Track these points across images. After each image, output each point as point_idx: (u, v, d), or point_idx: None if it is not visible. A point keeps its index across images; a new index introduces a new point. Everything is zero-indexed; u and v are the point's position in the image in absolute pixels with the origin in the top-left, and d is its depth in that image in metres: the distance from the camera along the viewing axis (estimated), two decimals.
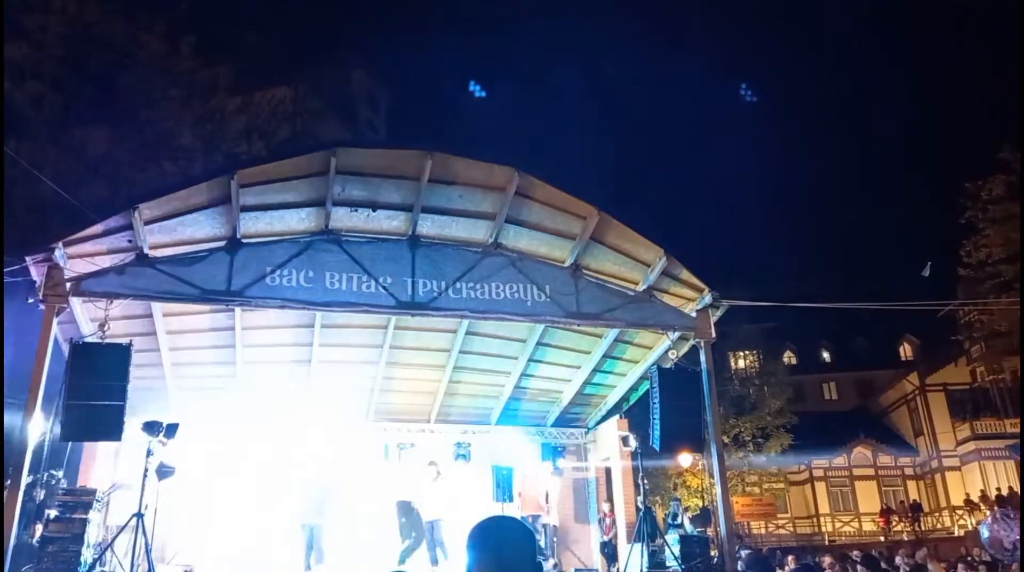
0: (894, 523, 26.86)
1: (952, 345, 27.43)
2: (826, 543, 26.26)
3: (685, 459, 20.99)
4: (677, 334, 10.02)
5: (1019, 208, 20.52)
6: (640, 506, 10.79)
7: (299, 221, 9.10)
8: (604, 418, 13.28)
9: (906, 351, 36.50)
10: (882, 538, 25.47)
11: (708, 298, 9.73)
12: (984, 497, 25.25)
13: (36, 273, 8.01)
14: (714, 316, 9.89)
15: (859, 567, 15.07)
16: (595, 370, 12.21)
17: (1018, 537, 10.22)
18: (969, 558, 16.30)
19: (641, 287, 9.98)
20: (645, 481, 11.16)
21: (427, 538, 10.56)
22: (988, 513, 19.56)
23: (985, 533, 11.12)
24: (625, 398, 12.97)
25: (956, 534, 24.92)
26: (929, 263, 13.13)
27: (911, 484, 30.02)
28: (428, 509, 10.73)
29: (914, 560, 14.48)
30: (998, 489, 25.09)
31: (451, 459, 12.25)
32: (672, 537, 10.65)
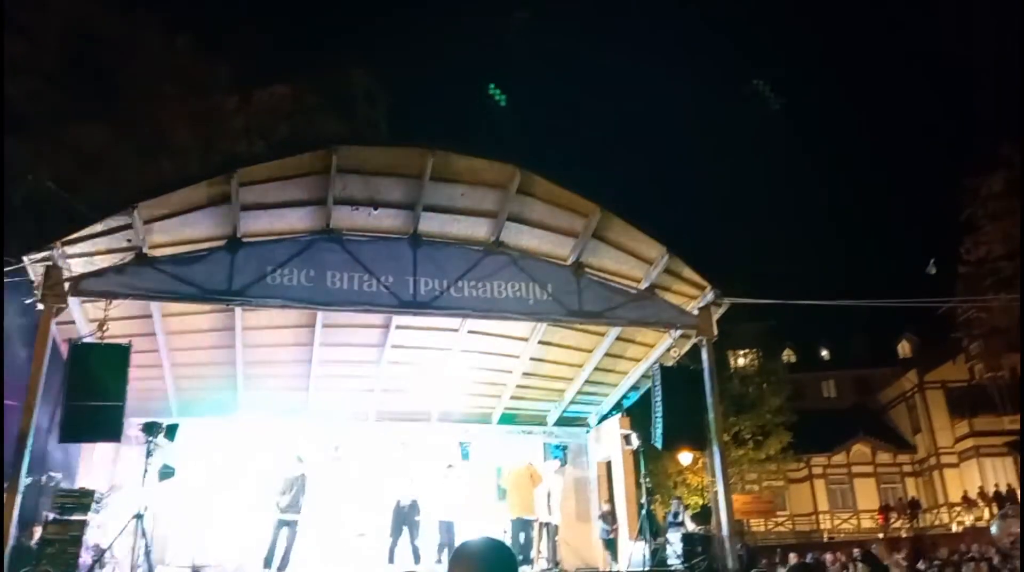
0: (893, 520, 26.91)
1: (951, 342, 27.39)
2: (825, 540, 26.29)
3: (686, 457, 21.06)
4: (679, 332, 9.99)
5: (1019, 204, 20.52)
6: (643, 504, 10.76)
7: (300, 220, 9.03)
8: (606, 416, 13.24)
9: (905, 349, 36.52)
10: (881, 535, 25.50)
11: (710, 296, 9.70)
12: (982, 494, 25.31)
13: (34, 273, 7.94)
14: (716, 314, 9.86)
15: (859, 565, 15.09)
16: (597, 368, 12.17)
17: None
18: (970, 555, 16.33)
19: (643, 285, 9.94)
20: (647, 479, 11.13)
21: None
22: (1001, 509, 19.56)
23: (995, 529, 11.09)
24: (627, 396, 12.94)
25: (954, 531, 24.97)
26: (933, 260, 13.11)
27: (910, 481, 30.08)
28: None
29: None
30: (996, 486, 25.15)
31: (454, 458, 12.17)
32: (674, 535, 10.62)
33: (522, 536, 11.07)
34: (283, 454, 10.71)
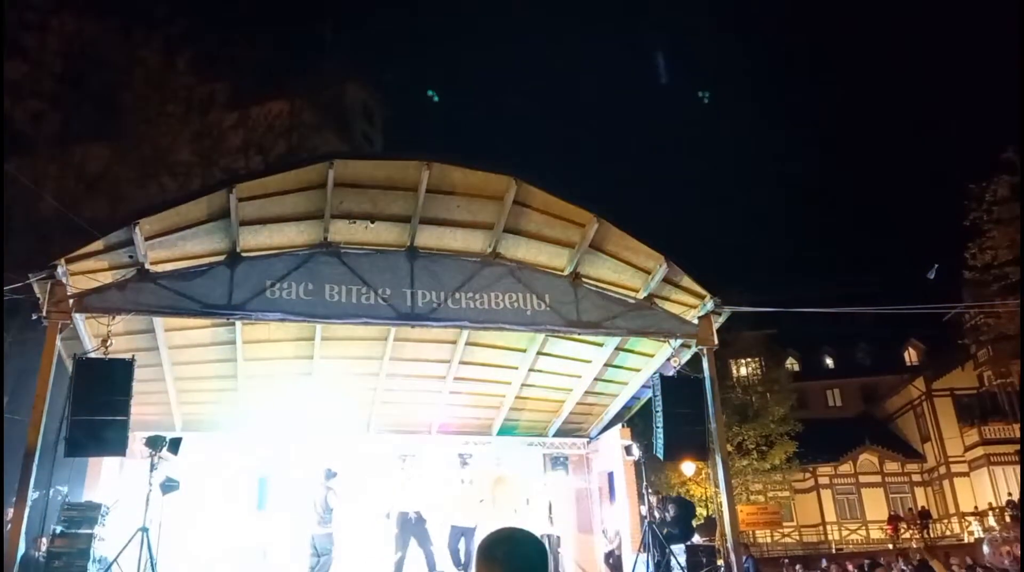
0: (902, 530, 26.63)
1: (958, 349, 27.20)
2: (833, 551, 26.04)
3: (688, 467, 20.96)
4: (679, 341, 9.99)
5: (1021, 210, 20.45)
6: (645, 516, 10.71)
7: (298, 234, 9.12)
8: (606, 427, 13.22)
9: (911, 356, 36.32)
10: (890, 546, 25.25)
11: (710, 304, 9.70)
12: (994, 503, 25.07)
13: (39, 290, 8.05)
14: (716, 322, 9.85)
15: None
16: (596, 379, 12.17)
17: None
18: (980, 567, 16.15)
19: (642, 294, 9.96)
20: (649, 490, 11.09)
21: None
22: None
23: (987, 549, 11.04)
24: (627, 407, 12.93)
25: (966, 541, 24.70)
26: (935, 266, 13.05)
27: (919, 491, 29.81)
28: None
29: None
30: (1009, 495, 24.88)
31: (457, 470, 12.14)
32: (678, 547, 10.56)
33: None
34: (312, 469, 10.80)
